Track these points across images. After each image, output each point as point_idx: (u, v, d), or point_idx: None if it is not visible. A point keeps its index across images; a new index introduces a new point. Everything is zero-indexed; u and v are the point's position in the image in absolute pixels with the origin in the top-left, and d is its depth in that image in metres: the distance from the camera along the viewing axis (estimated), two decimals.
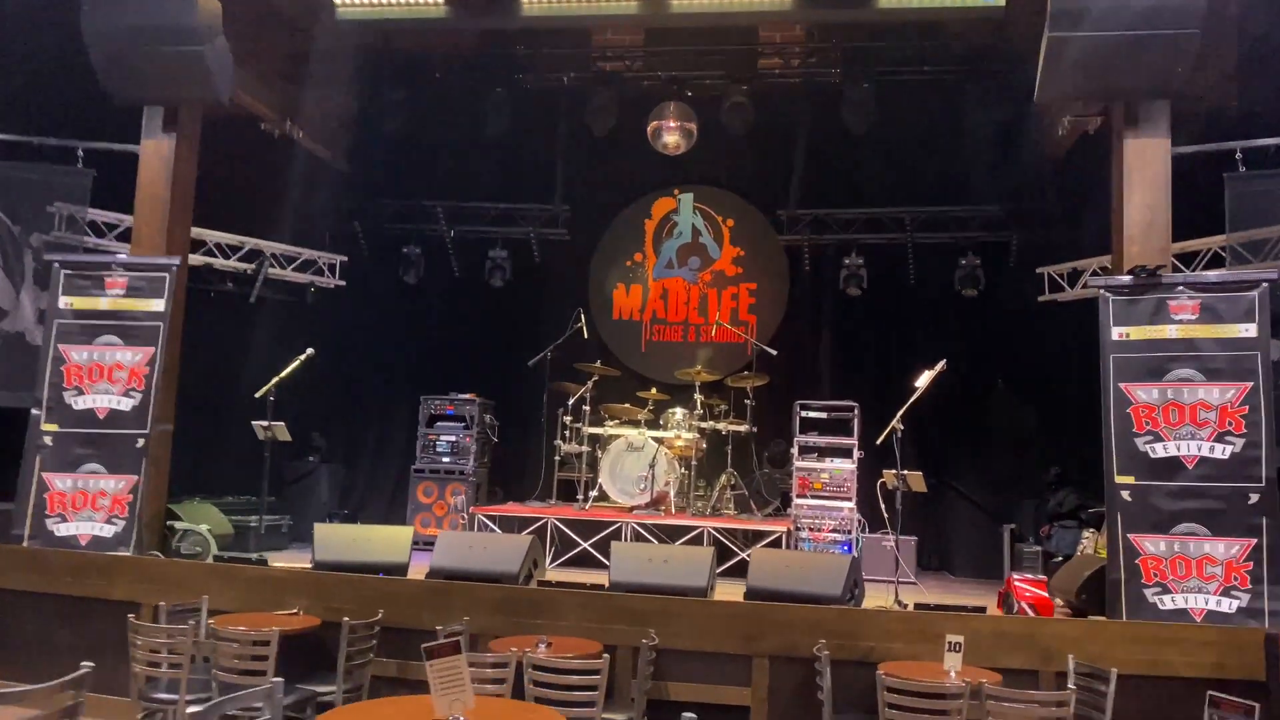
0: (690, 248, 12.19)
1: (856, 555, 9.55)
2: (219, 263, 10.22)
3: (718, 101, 10.60)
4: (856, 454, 9.65)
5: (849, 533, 9.53)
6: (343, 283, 11.05)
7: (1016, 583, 6.60)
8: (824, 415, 9.87)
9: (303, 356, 8.22)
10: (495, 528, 9.29)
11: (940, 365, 7.27)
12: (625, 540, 9.00)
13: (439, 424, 10.71)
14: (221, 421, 10.37)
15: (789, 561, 6.68)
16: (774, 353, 10.01)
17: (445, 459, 10.48)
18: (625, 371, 11.43)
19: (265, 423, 7.96)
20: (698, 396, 9.93)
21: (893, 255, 10.96)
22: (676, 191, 12.25)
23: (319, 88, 10.21)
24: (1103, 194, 9.43)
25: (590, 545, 9.01)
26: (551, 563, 9.06)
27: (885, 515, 7.45)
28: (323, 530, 7.03)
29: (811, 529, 9.58)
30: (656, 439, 9.80)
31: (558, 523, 9.17)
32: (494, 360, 11.25)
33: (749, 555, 7.22)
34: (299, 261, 10.81)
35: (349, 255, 11.17)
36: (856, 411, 9.74)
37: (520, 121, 10.88)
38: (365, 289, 11.27)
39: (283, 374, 8.10)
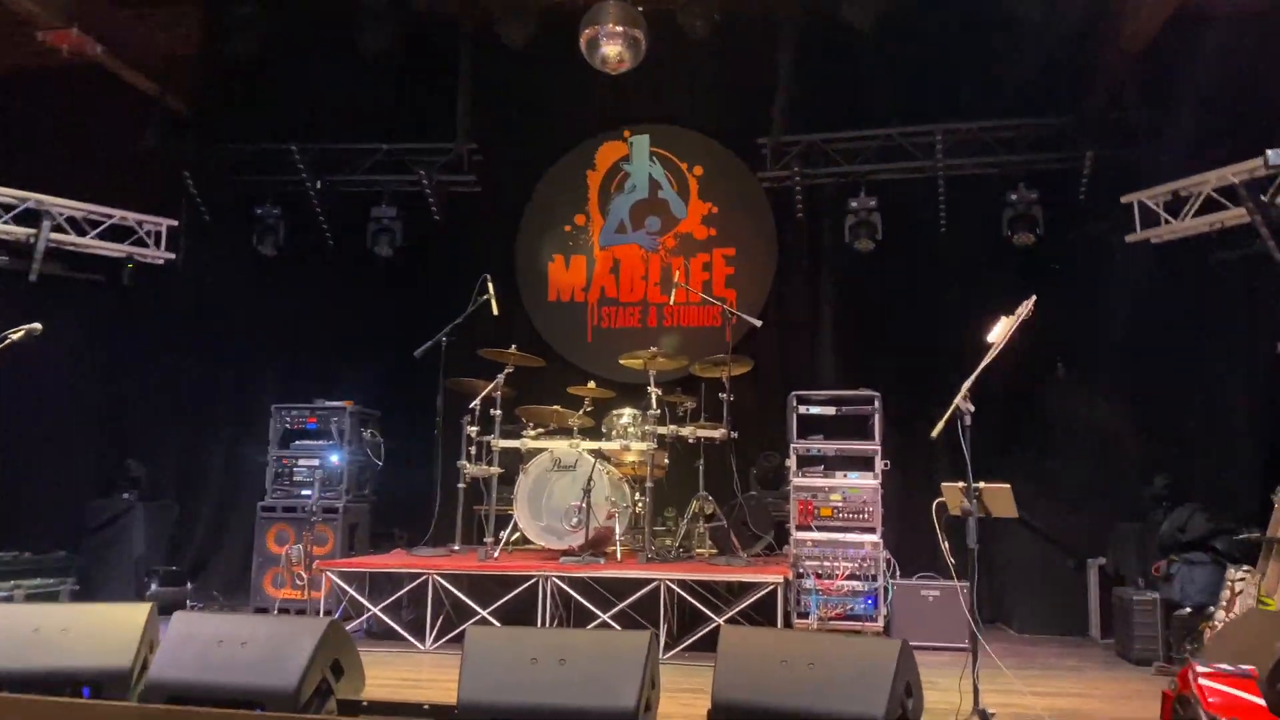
0: (648, 205, 9.30)
1: (887, 613, 6.62)
2: None
3: (672, 5, 7.81)
4: (879, 464, 6.74)
5: (873, 579, 6.59)
6: (172, 255, 8.13)
7: (1202, 680, 3.65)
8: (832, 411, 6.95)
9: (16, 332, 5.27)
10: (352, 590, 6.33)
11: (1025, 306, 4.37)
12: (545, 603, 6.04)
13: (298, 443, 7.76)
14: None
15: (787, 650, 3.72)
16: (758, 323, 7.04)
17: (305, 492, 7.51)
18: (558, 364, 8.53)
19: None
20: (653, 391, 6.97)
21: (916, 193, 8.05)
22: (627, 133, 9.38)
23: None
24: (1213, 85, 6.67)
25: (492, 613, 6.05)
26: (434, 642, 6.09)
27: (948, 559, 4.52)
28: None
29: (819, 575, 6.63)
30: (595, 453, 6.87)
31: (441, 580, 6.19)
32: (380, 357, 8.30)
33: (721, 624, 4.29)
34: (105, 226, 7.88)
35: (182, 219, 8.24)
36: (877, 404, 6.84)
37: (408, 37, 8.08)
38: (205, 263, 8.35)
39: None
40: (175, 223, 8.19)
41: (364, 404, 8.03)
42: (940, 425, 4.18)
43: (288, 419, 7.75)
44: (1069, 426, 7.81)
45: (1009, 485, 4.22)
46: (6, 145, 7.80)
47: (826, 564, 6.67)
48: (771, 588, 5.99)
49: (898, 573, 6.84)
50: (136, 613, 4.23)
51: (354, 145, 8.52)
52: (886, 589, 6.65)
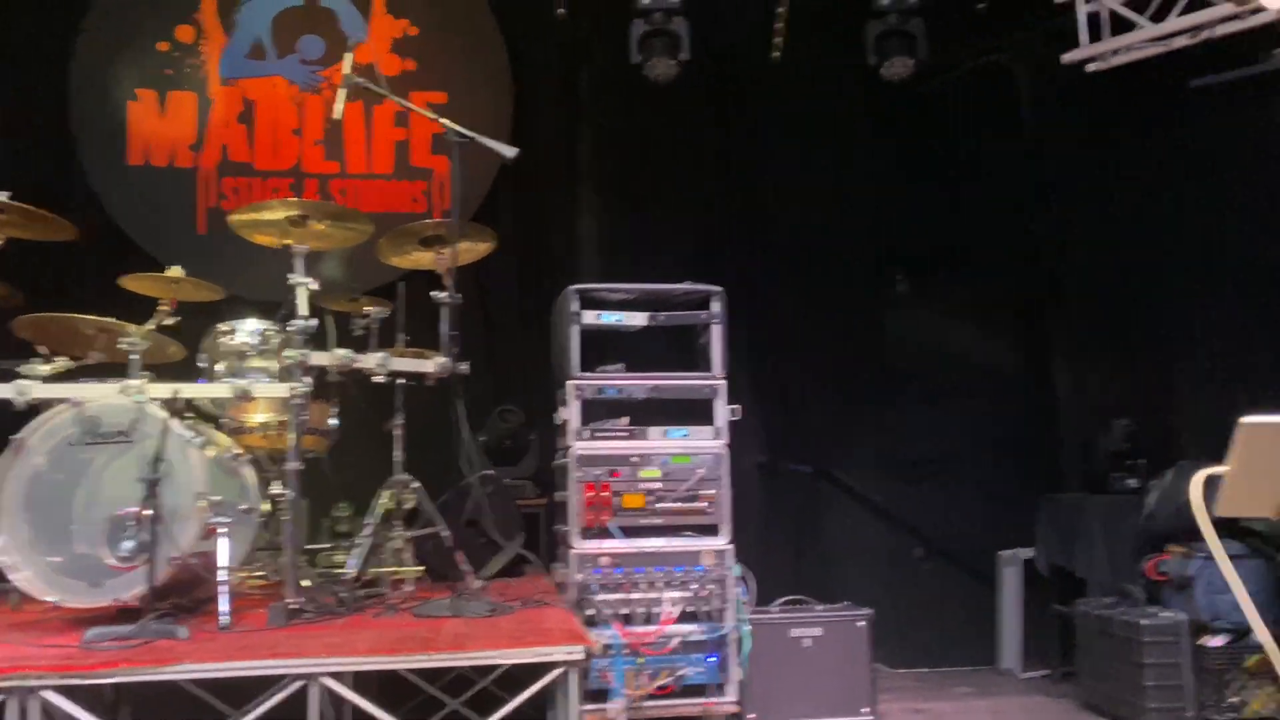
0: (303, 17, 5.74)
1: (743, 675, 3.72)
2: None
3: None
4: (724, 411, 3.80)
5: (720, 617, 3.65)
6: None
7: None
8: (641, 320, 3.91)
9: None
10: None
11: None
12: None
13: None
14: None
15: None
16: (511, 152, 3.73)
17: None
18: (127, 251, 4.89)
19: None
20: (301, 284, 3.51)
21: None
22: None
23: None
24: None
25: None
26: None
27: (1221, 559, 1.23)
28: None
29: (626, 620, 3.58)
30: (174, 405, 3.34)
31: None
32: None
33: None
34: None
35: None
36: (717, 307, 3.89)
37: None
38: None
39: None
40: None
41: None
42: None
43: None
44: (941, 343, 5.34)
45: None
46: None
47: (637, 597, 3.62)
48: (560, 669, 2.82)
49: (753, 596, 3.93)
50: None
51: None
52: (742, 633, 3.71)
